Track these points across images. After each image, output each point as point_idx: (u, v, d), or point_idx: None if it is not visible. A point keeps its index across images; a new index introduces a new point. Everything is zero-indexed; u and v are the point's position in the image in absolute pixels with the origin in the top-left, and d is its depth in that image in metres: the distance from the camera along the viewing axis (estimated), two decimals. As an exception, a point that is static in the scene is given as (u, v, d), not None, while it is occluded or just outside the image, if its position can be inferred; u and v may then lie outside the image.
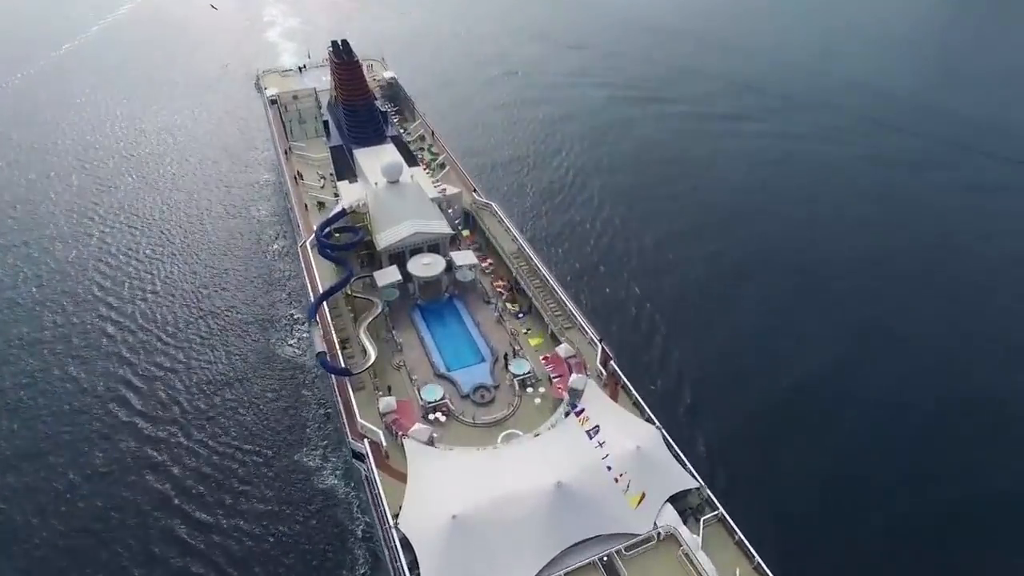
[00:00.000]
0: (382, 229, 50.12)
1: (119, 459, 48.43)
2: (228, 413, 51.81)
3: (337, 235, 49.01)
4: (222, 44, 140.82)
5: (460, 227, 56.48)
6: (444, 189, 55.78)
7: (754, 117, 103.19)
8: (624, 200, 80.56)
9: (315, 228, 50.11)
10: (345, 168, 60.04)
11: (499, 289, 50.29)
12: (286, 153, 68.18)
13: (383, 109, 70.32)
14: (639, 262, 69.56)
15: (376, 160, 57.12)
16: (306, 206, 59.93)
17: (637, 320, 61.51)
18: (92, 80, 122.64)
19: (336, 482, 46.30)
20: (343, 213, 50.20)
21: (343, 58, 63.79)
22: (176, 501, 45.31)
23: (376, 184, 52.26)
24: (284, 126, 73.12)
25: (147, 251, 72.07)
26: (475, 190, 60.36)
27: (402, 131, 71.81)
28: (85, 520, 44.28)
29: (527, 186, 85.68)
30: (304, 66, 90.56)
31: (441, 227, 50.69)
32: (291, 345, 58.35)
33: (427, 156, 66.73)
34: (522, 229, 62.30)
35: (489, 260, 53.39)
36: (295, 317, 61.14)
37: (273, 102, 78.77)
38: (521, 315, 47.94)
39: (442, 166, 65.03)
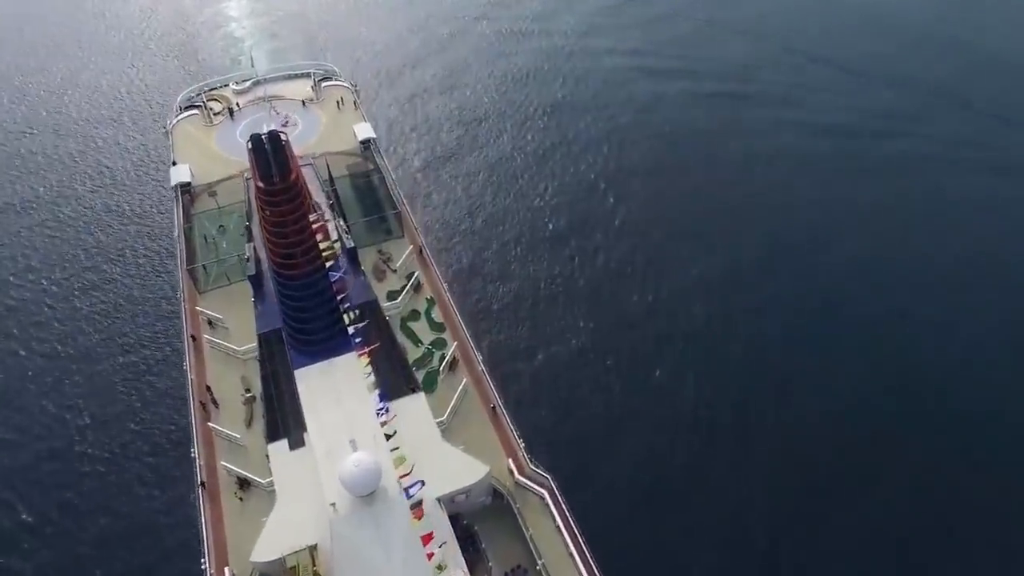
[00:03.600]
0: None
1: None
2: None
3: None
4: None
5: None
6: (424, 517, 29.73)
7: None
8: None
9: None
10: (282, 403, 35.17)
11: None
12: (193, 339, 41.46)
13: (349, 241, 42.54)
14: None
15: (333, 406, 32.91)
16: (203, 487, 34.10)
17: None
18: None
19: None
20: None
21: (273, 180, 33.04)
22: None
23: (334, 506, 28.17)
24: (194, 259, 45.55)
25: None
26: (514, 437, 35.36)
27: (382, 259, 45.93)
28: None
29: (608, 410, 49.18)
30: (240, 101, 60.87)
31: (457, 607, 27.32)
32: None
33: (426, 347, 40.73)
34: (596, 528, 32.06)
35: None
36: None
37: (185, 190, 52.12)
38: None
39: (453, 363, 39.18)
